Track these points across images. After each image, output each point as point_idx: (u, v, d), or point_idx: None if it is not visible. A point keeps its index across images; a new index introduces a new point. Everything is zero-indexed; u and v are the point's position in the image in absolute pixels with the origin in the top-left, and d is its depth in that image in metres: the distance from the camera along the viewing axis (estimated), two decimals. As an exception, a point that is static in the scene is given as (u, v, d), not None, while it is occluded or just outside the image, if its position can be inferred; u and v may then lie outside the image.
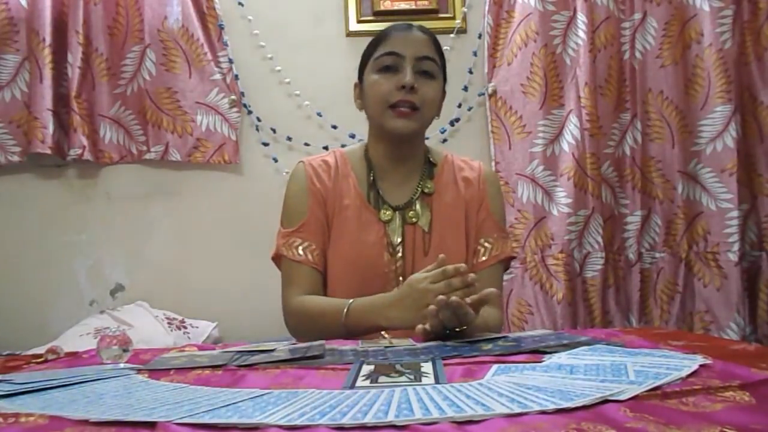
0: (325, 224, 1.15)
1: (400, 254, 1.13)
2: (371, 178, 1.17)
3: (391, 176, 1.18)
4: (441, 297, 0.88)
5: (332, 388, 0.59)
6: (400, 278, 1.11)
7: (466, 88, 2.18)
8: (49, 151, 1.97)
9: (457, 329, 0.89)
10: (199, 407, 0.53)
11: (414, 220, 1.14)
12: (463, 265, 0.93)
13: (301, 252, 1.13)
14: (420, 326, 0.90)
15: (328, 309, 1.06)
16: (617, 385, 0.55)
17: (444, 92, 1.20)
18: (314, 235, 1.14)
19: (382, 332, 1.09)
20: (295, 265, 1.13)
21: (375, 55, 1.14)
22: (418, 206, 1.16)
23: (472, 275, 0.92)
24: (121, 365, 0.77)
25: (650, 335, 0.89)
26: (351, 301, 1.03)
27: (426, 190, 1.17)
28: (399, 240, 1.13)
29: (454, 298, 0.87)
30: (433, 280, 0.92)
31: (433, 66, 1.13)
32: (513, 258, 1.22)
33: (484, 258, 1.16)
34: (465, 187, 1.19)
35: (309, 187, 1.17)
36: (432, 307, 0.89)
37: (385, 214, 1.14)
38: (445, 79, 1.19)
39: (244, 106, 2.13)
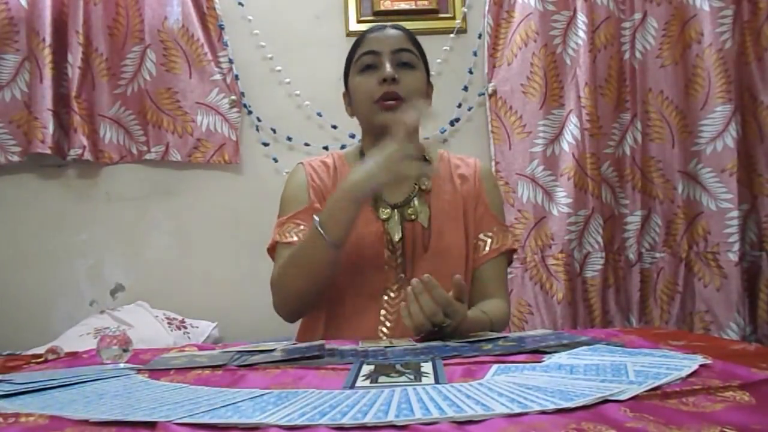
0: None
1: (400, 251, 1.13)
2: None
3: None
4: (414, 281, 0.88)
5: (332, 388, 0.59)
6: (401, 275, 1.12)
7: (466, 88, 2.18)
8: (49, 151, 1.97)
9: (444, 324, 0.89)
10: (199, 407, 0.53)
11: (413, 216, 1.15)
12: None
13: (294, 236, 1.11)
14: (405, 314, 0.90)
15: (302, 240, 1.05)
16: (617, 385, 0.55)
17: (431, 85, 1.21)
18: (310, 221, 1.13)
19: (383, 329, 1.10)
20: (287, 247, 1.10)
21: (354, 59, 1.16)
22: (416, 203, 1.16)
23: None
24: (121, 365, 0.77)
25: (650, 335, 0.89)
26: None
27: (423, 187, 1.17)
28: (399, 237, 1.13)
29: (426, 275, 0.87)
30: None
31: (411, 56, 1.14)
32: (514, 251, 1.22)
33: (485, 252, 1.16)
34: (461, 184, 1.19)
35: (309, 183, 1.17)
36: (403, 303, 0.90)
37: (384, 212, 1.14)
38: (428, 72, 1.19)
39: (244, 106, 2.13)
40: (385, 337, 1.08)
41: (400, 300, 1.09)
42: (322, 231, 0.99)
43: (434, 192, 1.17)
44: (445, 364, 0.69)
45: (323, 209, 1.03)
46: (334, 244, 0.99)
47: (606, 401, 0.51)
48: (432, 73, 1.22)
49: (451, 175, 1.20)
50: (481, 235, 1.17)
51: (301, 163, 1.22)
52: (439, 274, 0.91)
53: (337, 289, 1.12)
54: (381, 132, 1.14)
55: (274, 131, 2.15)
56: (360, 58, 1.14)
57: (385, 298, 1.12)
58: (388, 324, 1.10)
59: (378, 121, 1.12)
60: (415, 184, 1.18)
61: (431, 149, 1.25)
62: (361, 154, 1.20)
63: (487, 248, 1.16)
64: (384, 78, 1.10)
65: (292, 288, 1.06)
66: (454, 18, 2.19)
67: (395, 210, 1.15)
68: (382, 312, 1.11)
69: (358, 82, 1.14)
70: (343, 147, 1.97)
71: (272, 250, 1.16)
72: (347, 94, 1.21)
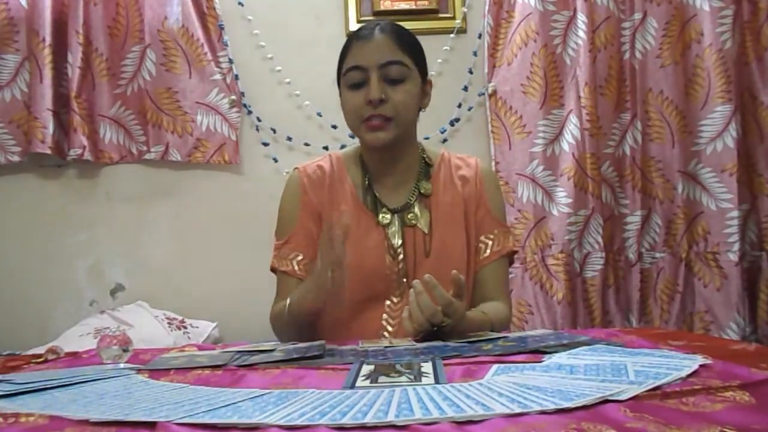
0: (316, 236, 1.14)
1: (401, 257, 1.12)
2: (367, 182, 1.17)
3: (387, 179, 1.17)
4: (415, 282, 0.90)
5: (332, 388, 0.59)
6: (403, 280, 1.11)
7: (466, 88, 2.18)
8: (49, 151, 1.97)
9: (443, 324, 0.89)
10: (199, 407, 0.53)
11: (413, 222, 1.14)
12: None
13: (287, 263, 1.14)
14: (405, 315, 0.92)
15: (281, 307, 1.09)
16: (617, 385, 0.55)
17: (429, 81, 1.18)
18: (302, 245, 1.15)
19: (384, 333, 1.10)
20: (284, 277, 1.15)
21: (342, 71, 1.13)
22: (416, 208, 1.15)
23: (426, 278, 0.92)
24: (121, 365, 0.77)
25: (650, 335, 0.89)
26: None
27: (423, 191, 1.17)
28: (399, 242, 1.13)
29: (427, 275, 0.89)
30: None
31: (399, 69, 1.09)
32: (515, 252, 1.22)
33: (486, 254, 1.16)
34: (462, 186, 1.19)
35: (301, 199, 1.17)
36: (405, 314, 0.91)
37: (384, 217, 1.14)
38: (424, 72, 1.15)
39: (244, 106, 2.13)
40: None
41: (402, 305, 1.09)
42: (287, 306, 1.05)
43: (434, 196, 1.17)
44: (445, 364, 0.69)
45: (296, 294, 1.06)
46: (295, 321, 1.05)
47: (606, 401, 0.51)
48: (432, 73, 1.21)
49: (452, 177, 1.20)
50: (483, 238, 1.17)
51: (297, 169, 1.21)
52: (441, 279, 0.90)
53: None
54: (367, 149, 1.15)
55: (274, 131, 2.15)
56: (347, 73, 1.11)
57: (388, 303, 1.12)
58: (389, 329, 1.10)
59: (365, 140, 1.12)
60: (415, 188, 1.17)
61: (432, 150, 1.24)
62: (360, 156, 1.20)
63: (488, 251, 1.16)
64: (370, 100, 1.07)
65: (282, 337, 1.12)
66: (454, 18, 2.19)
67: (395, 215, 1.15)
68: (384, 317, 1.11)
69: (346, 99, 1.12)
70: (342, 147, 1.97)
71: (274, 270, 1.18)
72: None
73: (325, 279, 0.95)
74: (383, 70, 1.08)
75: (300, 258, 1.13)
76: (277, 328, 1.13)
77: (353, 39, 1.12)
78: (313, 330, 1.09)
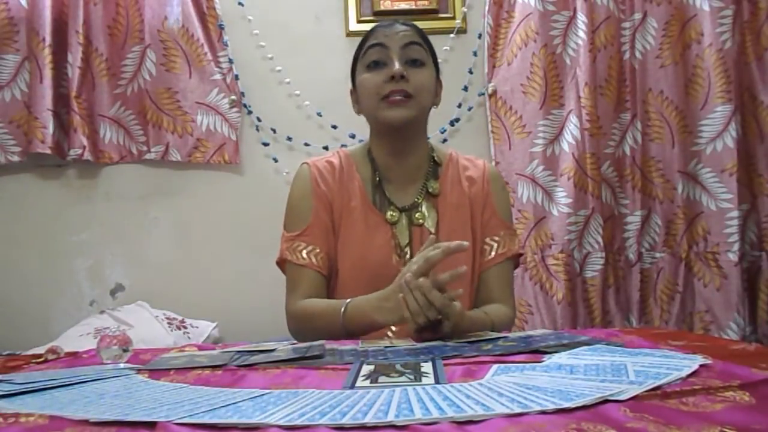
0: (330, 228, 1.14)
1: (408, 255, 1.12)
2: (377, 179, 1.17)
3: (396, 177, 1.17)
4: (407, 274, 0.89)
5: (332, 388, 0.59)
6: None
7: (466, 88, 2.18)
8: (49, 151, 1.97)
9: (439, 318, 0.89)
10: (199, 407, 0.53)
11: (420, 221, 1.14)
12: (459, 243, 0.92)
13: (305, 256, 1.12)
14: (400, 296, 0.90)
15: (326, 309, 1.05)
16: (617, 385, 0.55)
17: (440, 81, 1.19)
18: (318, 239, 1.13)
19: (388, 332, 1.10)
20: (299, 269, 1.12)
21: (362, 53, 1.14)
22: (424, 207, 1.15)
23: (457, 243, 0.91)
24: (121, 365, 0.77)
25: (650, 335, 0.89)
26: (348, 300, 1.03)
27: (430, 190, 1.17)
28: (406, 241, 1.13)
29: (422, 279, 0.88)
30: (417, 270, 0.91)
31: (421, 52, 1.12)
32: (521, 255, 1.22)
33: (491, 256, 1.16)
34: (469, 186, 1.19)
35: (314, 190, 1.16)
36: (400, 295, 0.90)
37: (392, 215, 1.14)
38: (437, 68, 1.18)
39: (244, 106, 2.13)
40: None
41: None
42: (343, 312, 1.00)
43: (442, 196, 1.17)
44: (445, 364, 0.69)
45: (359, 300, 1.02)
46: (347, 330, 1.00)
47: (606, 401, 0.51)
48: (434, 71, 1.21)
49: (459, 177, 1.20)
50: (488, 240, 1.17)
51: (306, 163, 1.21)
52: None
53: (346, 293, 1.12)
54: (386, 129, 1.14)
55: (274, 131, 2.15)
56: (367, 51, 1.12)
57: None
58: (393, 328, 1.10)
59: (383, 117, 1.11)
60: (423, 187, 1.17)
61: (440, 150, 1.24)
62: (369, 152, 1.20)
63: (493, 253, 1.16)
64: (392, 75, 1.07)
65: (307, 336, 1.07)
66: (454, 18, 2.19)
67: (403, 214, 1.15)
68: None
69: (365, 79, 1.12)
70: (343, 146, 1.97)
71: (281, 263, 1.16)
72: (354, 92, 1.20)
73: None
74: (405, 50, 1.10)
75: (317, 251, 1.13)
76: (302, 327, 1.09)
77: (374, 27, 1.15)
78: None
